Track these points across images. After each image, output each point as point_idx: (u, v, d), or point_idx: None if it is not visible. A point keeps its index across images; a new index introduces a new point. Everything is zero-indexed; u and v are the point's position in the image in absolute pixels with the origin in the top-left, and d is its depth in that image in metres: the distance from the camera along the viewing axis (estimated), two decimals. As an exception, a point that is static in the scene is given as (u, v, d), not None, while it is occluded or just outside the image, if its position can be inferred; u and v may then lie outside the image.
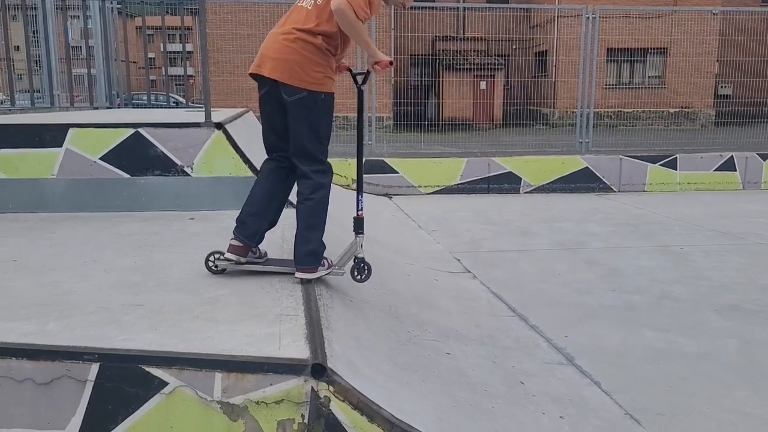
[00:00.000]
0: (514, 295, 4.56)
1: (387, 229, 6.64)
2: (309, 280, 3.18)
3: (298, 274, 3.18)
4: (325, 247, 3.29)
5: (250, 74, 3.24)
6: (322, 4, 3.05)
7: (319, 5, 3.07)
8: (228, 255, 3.20)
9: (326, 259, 3.32)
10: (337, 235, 5.20)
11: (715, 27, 20.59)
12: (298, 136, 3.14)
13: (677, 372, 3.37)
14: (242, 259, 3.22)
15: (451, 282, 4.86)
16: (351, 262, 3.38)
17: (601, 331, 3.93)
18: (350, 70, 3.35)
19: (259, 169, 4.99)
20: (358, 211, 3.34)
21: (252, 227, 3.22)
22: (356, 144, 3.40)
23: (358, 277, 3.39)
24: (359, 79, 3.34)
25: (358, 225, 3.34)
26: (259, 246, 3.33)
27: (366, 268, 3.39)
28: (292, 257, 3.28)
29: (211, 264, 3.26)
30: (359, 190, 3.37)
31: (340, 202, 7.43)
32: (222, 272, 3.27)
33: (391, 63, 3.16)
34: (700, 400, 3.07)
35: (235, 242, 3.20)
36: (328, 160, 3.26)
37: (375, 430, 2.18)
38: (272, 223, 3.36)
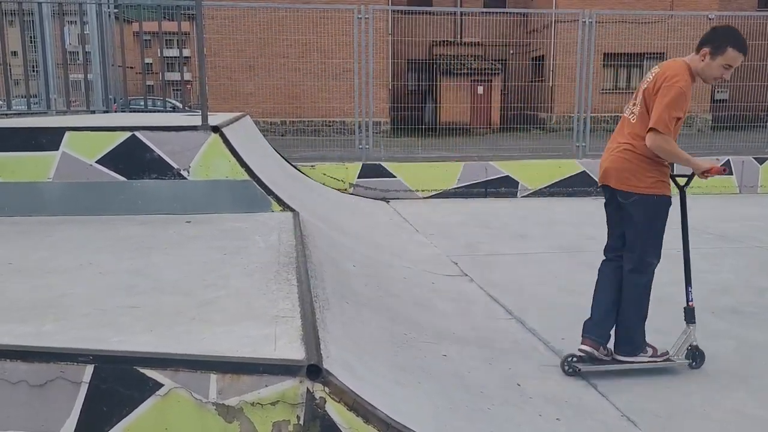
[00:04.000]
0: (511, 298, 4.55)
1: (384, 232, 6.64)
2: (632, 362, 3.40)
3: (621, 357, 3.41)
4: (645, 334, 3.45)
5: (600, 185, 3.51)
6: (638, 118, 3.29)
7: (637, 117, 3.31)
8: (583, 347, 3.36)
9: (651, 347, 3.45)
10: (336, 240, 5.21)
11: (712, 32, 20.62)
12: (629, 234, 3.42)
13: (674, 374, 3.37)
14: (596, 353, 3.36)
15: (448, 285, 4.85)
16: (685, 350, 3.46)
17: (598, 333, 3.92)
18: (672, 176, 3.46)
19: (258, 174, 5.02)
20: (688, 302, 3.46)
21: (602, 331, 3.41)
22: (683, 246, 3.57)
23: (692, 363, 3.45)
24: (681, 181, 3.49)
25: (690, 315, 3.46)
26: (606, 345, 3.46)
27: (700, 355, 3.46)
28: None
29: (566, 367, 3.36)
30: (688, 282, 3.50)
31: (340, 205, 7.44)
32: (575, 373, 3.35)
33: (724, 170, 3.40)
34: (697, 401, 3.07)
35: (588, 342, 3.37)
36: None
37: (370, 431, 2.17)
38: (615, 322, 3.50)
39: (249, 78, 15.41)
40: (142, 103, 10.93)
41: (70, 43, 9.23)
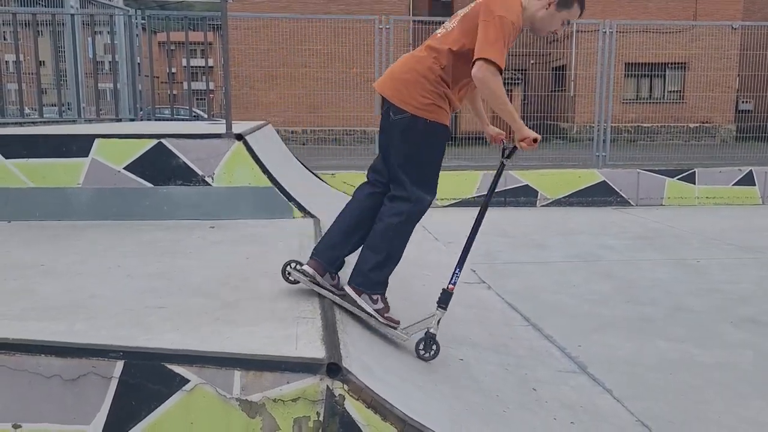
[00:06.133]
0: (528, 306, 4.60)
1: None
2: (354, 302, 2.97)
3: (346, 287, 3.01)
4: (386, 282, 3.09)
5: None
6: (445, 34, 2.97)
7: (445, 33, 2.98)
8: (306, 268, 3.03)
9: (386, 303, 3.07)
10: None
11: (736, 41, 20.46)
12: (393, 159, 2.99)
13: (690, 381, 3.39)
14: (318, 277, 3.01)
15: (466, 292, 4.90)
16: (420, 334, 3.08)
17: (614, 341, 3.96)
18: (502, 142, 3.22)
19: (280, 181, 5.11)
20: (449, 284, 3.13)
21: (333, 253, 3.08)
22: (477, 215, 3.20)
23: (423, 353, 3.05)
24: (505, 153, 3.29)
25: (444, 299, 3.11)
26: (338, 274, 3.14)
27: (435, 346, 3.06)
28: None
29: (288, 275, 3.11)
30: (460, 264, 3.13)
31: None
32: (295, 283, 3.11)
33: (536, 140, 3.05)
34: (713, 408, 3.08)
35: (313, 262, 3.07)
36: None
37: (388, 429, 2.24)
38: (353, 249, 3.14)
39: (271, 87, 15.60)
40: (167, 111, 11.16)
41: (95, 53, 9.44)
